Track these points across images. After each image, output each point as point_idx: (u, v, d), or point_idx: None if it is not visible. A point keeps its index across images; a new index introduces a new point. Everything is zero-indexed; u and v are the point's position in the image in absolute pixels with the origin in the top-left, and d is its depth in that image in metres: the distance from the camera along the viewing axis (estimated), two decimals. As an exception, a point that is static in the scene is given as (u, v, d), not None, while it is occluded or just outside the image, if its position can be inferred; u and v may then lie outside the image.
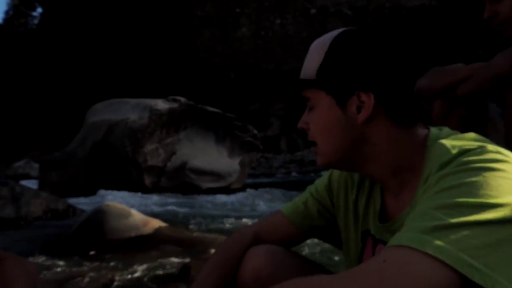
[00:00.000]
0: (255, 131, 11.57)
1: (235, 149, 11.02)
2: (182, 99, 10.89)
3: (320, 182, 0.93)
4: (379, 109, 0.70)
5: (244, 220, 5.84)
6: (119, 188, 9.34)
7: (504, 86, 1.13)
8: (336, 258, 3.23)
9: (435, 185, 0.57)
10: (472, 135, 0.65)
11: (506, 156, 0.57)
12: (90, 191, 9.31)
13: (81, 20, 41.07)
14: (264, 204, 8.10)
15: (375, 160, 0.72)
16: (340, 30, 0.76)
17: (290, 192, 9.61)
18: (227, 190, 10.06)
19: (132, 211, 3.98)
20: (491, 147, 0.60)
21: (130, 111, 10.34)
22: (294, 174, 20.07)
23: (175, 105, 10.65)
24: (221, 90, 35.96)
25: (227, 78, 37.92)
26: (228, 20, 42.24)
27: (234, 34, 41.39)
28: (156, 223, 3.91)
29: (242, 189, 10.52)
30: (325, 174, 0.93)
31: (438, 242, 0.49)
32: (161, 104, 10.52)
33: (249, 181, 12.87)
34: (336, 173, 0.91)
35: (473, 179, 0.54)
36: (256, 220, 5.96)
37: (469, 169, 0.56)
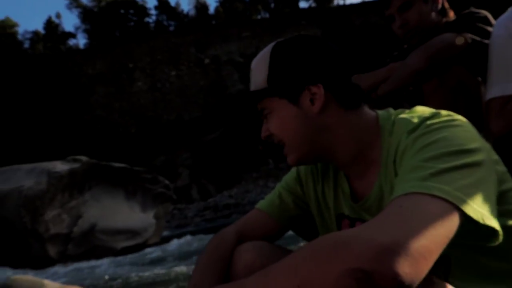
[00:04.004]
0: (167, 181, 11.27)
1: (148, 202, 10.56)
2: (84, 158, 10.25)
3: (289, 176, 0.98)
4: (329, 96, 0.79)
5: (175, 269, 5.55)
6: (17, 266, 8.22)
7: (421, 80, 1.32)
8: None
9: (413, 146, 0.66)
10: (420, 107, 0.76)
11: (456, 115, 0.70)
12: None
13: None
14: (185, 253, 7.82)
15: (338, 144, 0.80)
16: (273, 42, 0.87)
17: (209, 236, 9.43)
18: (145, 246, 9.50)
19: (45, 282, 3.55)
20: (443, 111, 0.71)
21: (24, 177, 9.40)
22: (206, 221, 19.74)
23: (76, 165, 9.97)
24: (124, 146, 34.55)
25: (128, 133, 36.68)
26: (122, 75, 41.49)
27: (130, 89, 40.64)
28: (76, 290, 3.53)
29: (160, 243, 10.03)
30: (293, 168, 0.98)
31: (438, 185, 0.57)
32: (60, 166, 9.76)
33: (166, 233, 12.34)
34: (302, 165, 0.95)
35: (444, 134, 0.65)
36: (180, 270, 5.73)
37: (436, 128, 0.67)
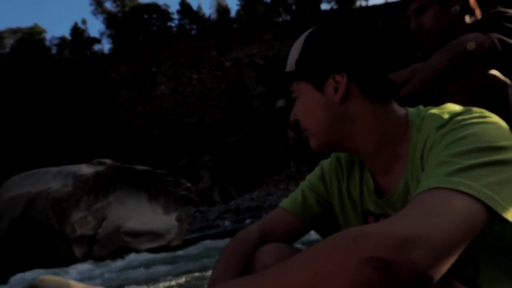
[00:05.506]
0: (188, 184, 11.39)
1: (170, 205, 10.70)
2: (108, 161, 10.47)
3: (313, 174, 0.98)
4: (353, 87, 0.78)
5: (198, 270, 5.60)
6: (45, 266, 8.45)
7: (444, 81, 1.29)
8: None
9: (441, 141, 0.65)
10: (451, 104, 0.74)
11: (488, 113, 0.68)
12: (5, 277, 8.21)
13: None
14: (207, 255, 7.87)
15: (360, 135, 0.79)
16: (314, 27, 0.87)
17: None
18: (167, 248, 9.62)
19: (72, 282, 3.63)
20: (474, 108, 0.69)
21: (52, 180, 9.67)
22: (228, 223, 19.83)
23: (100, 168, 10.18)
24: (147, 149, 35.13)
25: (151, 136, 37.29)
26: (145, 79, 42.22)
27: (153, 93, 41.33)
28: (101, 291, 3.60)
29: (182, 246, 10.14)
30: (317, 167, 0.99)
31: (464, 181, 0.56)
32: (86, 169, 9.99)
33: (187, 237, 12.46)
34: (326, 163, 0.96)
35: (473, 131, 0.63)
36: (202, 272, 5.79)
37: (466, 124, 0.65)
